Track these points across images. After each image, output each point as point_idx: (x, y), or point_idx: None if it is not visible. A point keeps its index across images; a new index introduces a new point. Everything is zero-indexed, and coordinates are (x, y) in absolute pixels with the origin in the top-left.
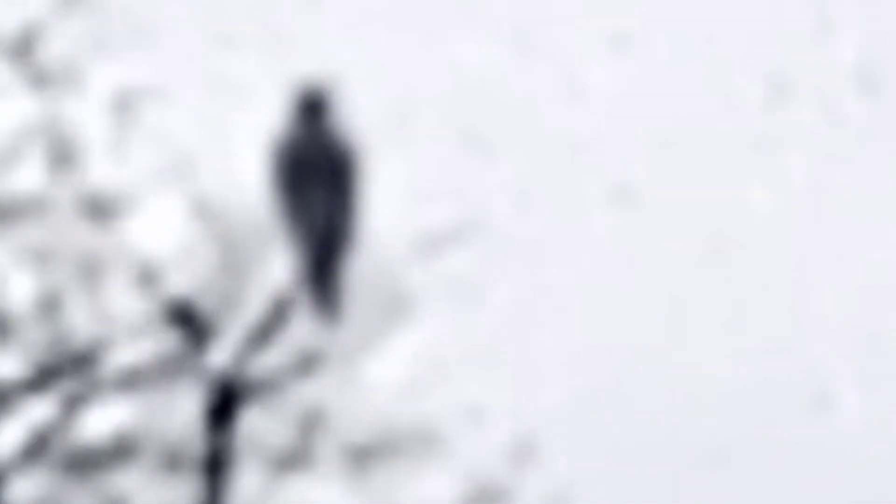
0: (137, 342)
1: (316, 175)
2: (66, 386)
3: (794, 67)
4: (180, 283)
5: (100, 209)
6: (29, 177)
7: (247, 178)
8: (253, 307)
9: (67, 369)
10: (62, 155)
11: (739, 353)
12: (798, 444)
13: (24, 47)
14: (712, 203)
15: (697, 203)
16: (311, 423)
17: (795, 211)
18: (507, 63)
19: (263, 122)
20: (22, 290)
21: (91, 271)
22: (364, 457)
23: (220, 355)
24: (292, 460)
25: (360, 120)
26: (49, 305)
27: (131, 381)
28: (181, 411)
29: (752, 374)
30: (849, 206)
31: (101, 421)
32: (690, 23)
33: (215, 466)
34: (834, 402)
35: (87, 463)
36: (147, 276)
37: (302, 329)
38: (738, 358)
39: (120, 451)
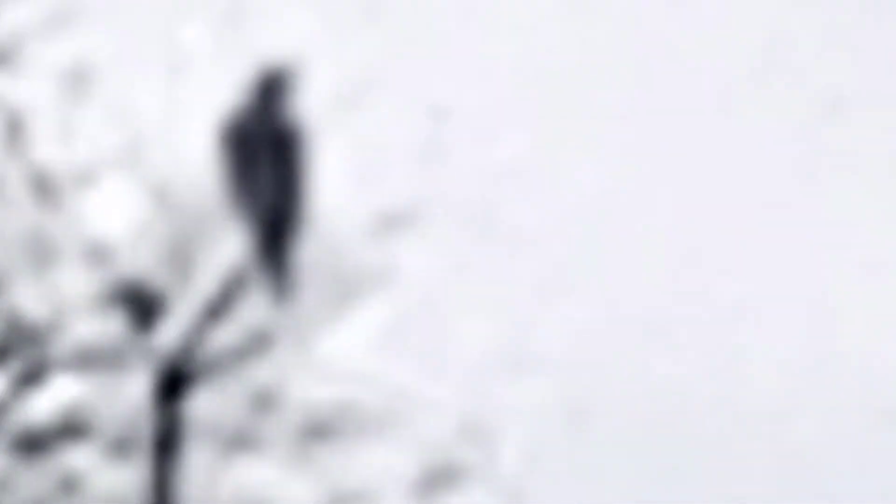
0: (87, 321)
1: (264, 154)
2: (16, 365)
3: None
4: (130, 262)
5: (49, 188)
6: None
7: (198, 156)
8: (203, 287)
9: (17, 348)
10: (11, 132)
11: None
12: None
13: None
14: None
15: None
16: (261, 403)
17: None
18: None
19: (217, 101)
20: None
21: (41, 250)
22: (314, 437)
23: (170, 335)
24: (243, 440)
25: (313, 98)
26: (0, 285)
27: (81, 360)
28: (131, 390)
29: None
30: None
31: (50, 400)
32: None
33: (165, 446)
34: None
35: (37, 442)
36: (97, 256)
37: (253, 308)
38: None
39: (70, 430)
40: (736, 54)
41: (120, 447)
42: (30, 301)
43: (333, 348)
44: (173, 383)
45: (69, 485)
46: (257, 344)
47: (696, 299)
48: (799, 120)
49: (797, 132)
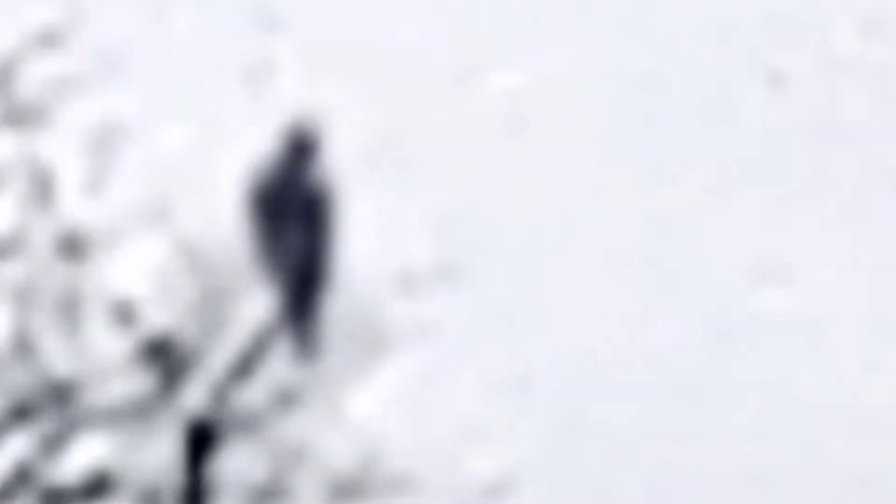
0: (116, 379)
1: (292, 212)
2: (45, 423)
3: None
4: (158, 320)
5: (77, 247)
6: (5, 214)
7: (226, 214)
8: (231, 344)
9: (46, 406)
10: (39, 192)
11: None
12: None
13: (2, 82)
14: None
15: None
16: (289, 460)
17: None
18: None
19: (245, 159)
20: (1, 327)
21: (69, 309)
22: (343, 493)
23: (197, 392)
24: (271, 497)
25: (340, 157)
26: (27, 343)
27: (110, 418)
28: (159, 448)
29: None
30: None
31: (79, 458)
32: None
33: (194, 503)
34: None
35: (66, 500)
36: (125, 314)
37: (280, 366)
38: None
39: (98, 487)
40: None
41: None
42: (59, 359)
43: (360, 405)
44: (201, 440)
45: None
46: (284, 401)
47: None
48: None
49: None
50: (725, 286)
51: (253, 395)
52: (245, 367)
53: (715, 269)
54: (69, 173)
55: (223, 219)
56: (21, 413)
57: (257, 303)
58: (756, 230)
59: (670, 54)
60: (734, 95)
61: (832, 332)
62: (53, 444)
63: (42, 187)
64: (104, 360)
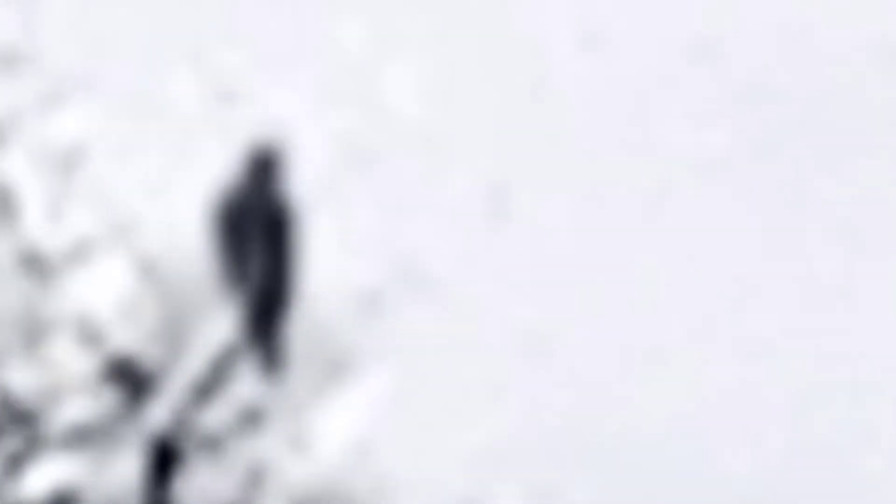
0: (79, 399)
1: (256, 231)
2: (8, 443)
3: None
4: (123, 339)
5: (39, 267)
6: None
7: (188, 235)
8: (194, 364)
9: (8, 426)
10: (2, 212)
11: None
12: None
13: None
14: None
15: None
16: (253, 480)
17: None
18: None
19: (207, 178)
20: None
21: (32, 328)
22: None
23: (161, 412)
24: None
25: (304, 173)
26: None
27: (73, 437)
28: (123, 467)
29: None
30: None
31: (42, 478)
32: None
33: None
34: None
35: None
36: (90, 334)
37: (244, 385)
38: None
39: None
40: None
41: None
42: (21, 379)
43: (325, 425)
44: (165, 460)
45: None
46: (248, 421)
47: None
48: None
49: None
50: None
51: (216, 414)
52: (210, 386)
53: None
54: (32, 193)
55: (186, 238)
56: None
57: (221, 322)
58: None
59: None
60: None
61: None
62: (17, 464)
63: (4, 207)
64: (67, 380)
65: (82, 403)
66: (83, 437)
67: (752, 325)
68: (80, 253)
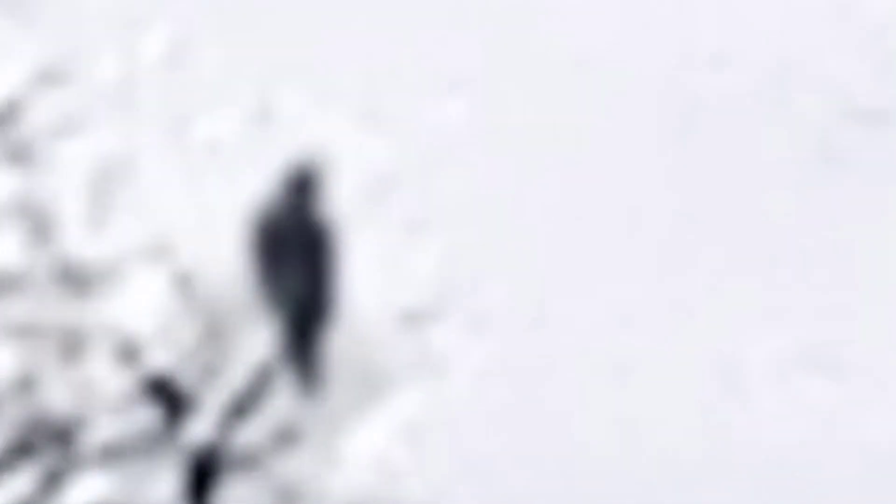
0: (115, 417)
1: (294, 248)
2: (46, 461)
3: None
4: (160, 357)
5: (79, 284)
6: (7, 252)
7: (227, 251)
8: (232, 381)
9: (45, 444)
10: (40, 229)
11: None
12: None
13: (1, 121)
14: None
15: None
16: (288, 499)
17: None
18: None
19: (246, 195)
20: (1, 365)
21: (71, 346)
22: None
23: (199, 429)
24: None
25: (340, 193)
26: (28, 380)
27: (109, 456)
28: (161, 485)
29: None
30: None
31: (80, 496)
32: None
33: None
34: None
35: None
36: (127, 351)
37: (281, 403)
38: None
39: None
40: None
41: None
42: (58, 397)
43: (361, 444)
44: (201, 479)
45: None
46: (285, 438)
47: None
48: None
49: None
50: None
51: (254, 431)
52: (246, 404)
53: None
54: (70, 210)
55: (224, 256)
56: (22, 450)
57: (258, 340)
58: None
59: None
60: None
61: None
62: (55, 481)
63: (43, 224)
64: (106, 397)
65: (119, 421)
66: (120, 455)
67: None
68: (118, 270)
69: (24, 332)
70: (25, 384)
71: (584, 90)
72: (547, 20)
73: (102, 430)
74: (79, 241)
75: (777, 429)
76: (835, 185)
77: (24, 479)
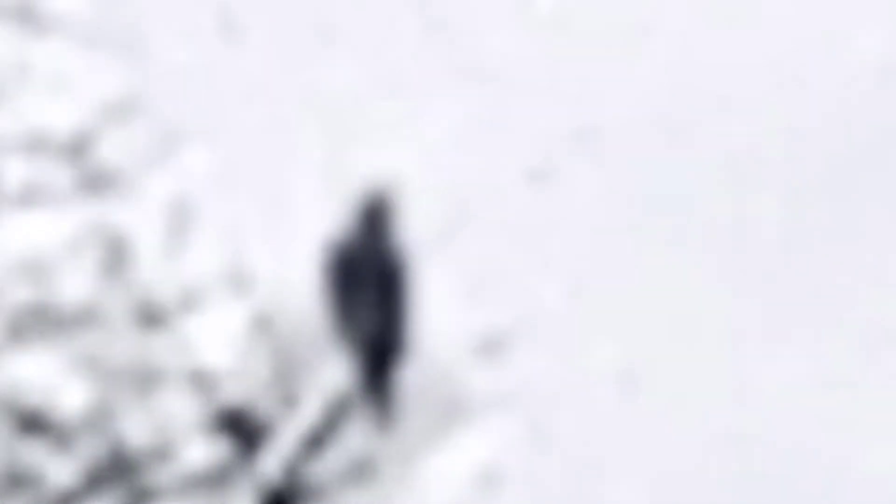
0: (192, 448)
1: (368, 281)
2: (119, 493)
3: None
4: (235, 388)
5: (153, 316)
6: (82, 283)
7: (300, 283)
8: (307, 413)
9: (121, 475)
10: (116, 261)
11: None
12: None
13: (77, 151)
14: None
15: None
16: None
17: None
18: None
19: (321, 227)
20: (75, 397)
21: (144, 378)
22: None
23: (273, 461)
24: None
25: (414, 222)
26: (103, 413)
27: (186, 487)
28: None
29: None
30: None
31: None
32: None
33: None
34: None
35: None
36: (202, 382)
37: (356, 435)
38: None
39: None
40: None
41: None
42: (134, 428)
43: (438, 476)
44: None
45: None
46: (360, 471)
47: None
48: None
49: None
50: None
51: (328, 465)
52: (321, 437)
53: None
54: (145, 241)
55: (299, 289)
56: (96, 484)
57: (333, 373)
58: None
59: None
60: None
61: None
62: None
63: (118, 256)
64: (180, 430)
65: (194, 452)
66: (195, 487)
67: None
68: (193, 301)
69: (99, 364)
70: (98, 417)
71: None
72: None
73: (179, 460)
74: (154, 273)
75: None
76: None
77: None
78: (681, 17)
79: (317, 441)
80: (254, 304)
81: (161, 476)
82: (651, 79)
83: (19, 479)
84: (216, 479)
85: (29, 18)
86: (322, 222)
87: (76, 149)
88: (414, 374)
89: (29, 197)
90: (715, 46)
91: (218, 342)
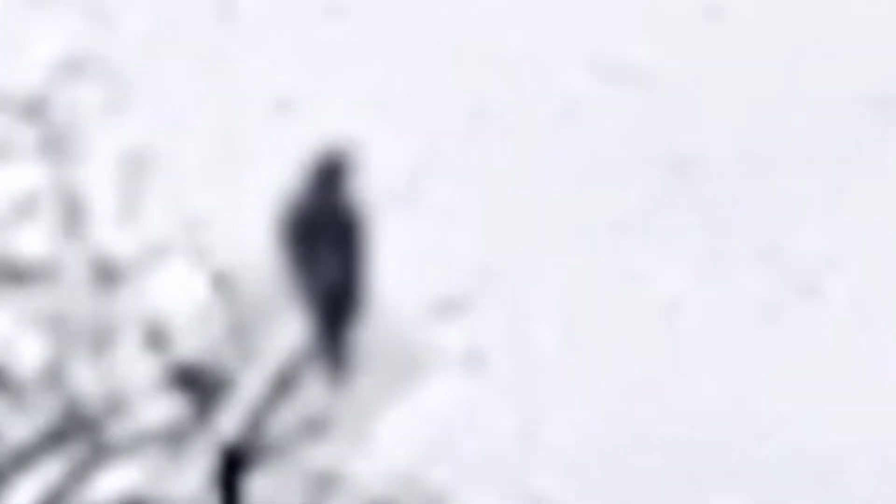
0: (147, 405)
1: (324, 237)
2: (75, 449)
3: None
4: (191, 346)
5: (109, 273)
6: (37, 241)
7: (256, 240)
8: (263, 370)
9: (76, 433)
10: (70, 219)
11: None
12: None
13: (31, 110)
14: None
15: None
16: (320, 487)
17: None
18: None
19: (273, 185)
20: (31, 354)
21: (100, 335)
22: None
23: (230, 418)
24: None
25: (371, 182)
26: (58, 369)
27: (141, 444)
28: (191, 475)
29: None
30: None
31: (109, 485)
32: None
33: None
34: None
35: None
36: (157, 339)
37: (311, 392)
38: None
39: None
40: None
41: None
42: (89, 385)
43: (393, 431)
44: (233, 467)
45: None
46: (317, 427)
47: None
48: None
49: None
50: None
51: (285, 421)
52: (278, 393)
53: None
54: (100, 199)
55: (254, 245)
56: (52, 440)
57: (289, 328)
58: None
59: None
60: None
61: None
62: (84, 472)
63: (73, 214)
64: (136, 387)
65: (151, 410)
66: (151, 444)
67: None
68: (149, 259)
69: (54, 321)
70: (55, 374)
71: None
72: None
73: (133, 419)
74: (109, 230)
75: None
76: None
77: (53, 469)
78: None
79: (274, 397)
80: (209, 261)
81: (118, 433)
82: None
83: None
84: (173, 435)
85: None
86: (277, 179)
87: (31, 107)
88: (370, 331)
89: None
90: None
91: (174, 299)
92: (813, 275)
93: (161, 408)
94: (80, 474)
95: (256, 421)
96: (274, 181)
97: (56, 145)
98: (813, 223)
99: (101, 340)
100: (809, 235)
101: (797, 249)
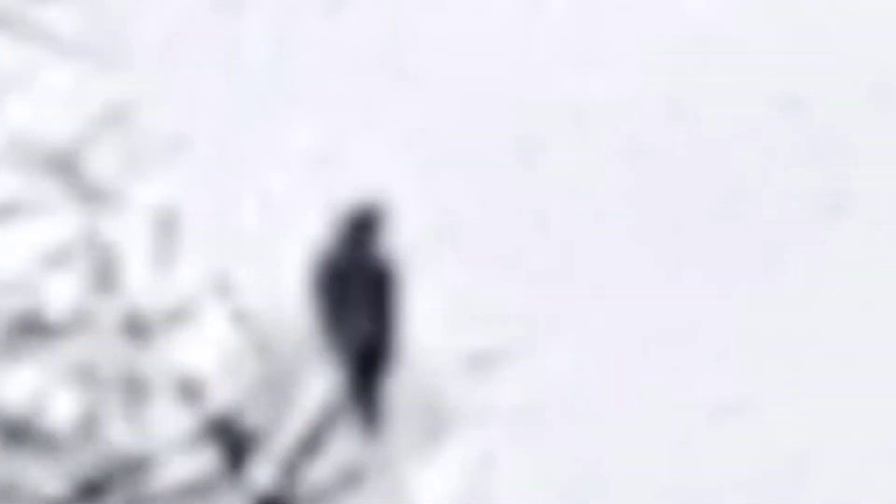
0: (181, 458)
1: (356, 291)
2: (111, 502)
3: None
4: (223, 398)
5: (141, 325)
6: (70, 293)
7: (289, 294)
8: (296, 422)
9: (111, 485)
10: (103, 271)
11: None
12: None
13: (67, 163)
14: None
15: None
16: None
17: None
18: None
19: (305, 238)
20: (64, 407)
21: (133, 388)
22: None
23: (263, 471)
24: None
25: (405, 236)
26: (92, 423)
27: (175, 496)
28: None
29: None
30: None
31: None
32: None
33: None
34: None
35: None
36: (190, 392)
37: (344, 444)
38: None
39: None
40: None
41: None
42: (124, 438)
43: (425, 485)
44: None
45: None
46: (349, 480)
47: None
48: None
49: None
50: None
51: (318, 473)
52: (310, 445)
53: None
54: (133, 252)
55: (287, 298)
56: (88, 493)
57: (322, 381)
58: None
59: None
60: None
61: None
62: None
63: (106, 266)
64: (170, 439)
65: (185, 462)
66: (186, 496)
67: None
68: (181, 312)
69: (87, 374)
70: (88, 427)
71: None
72: None
73: (167, 471)
74: (142, 283)
75: None
76: None
77: None
78: None
79: (307, 449)
80: (241, 313)
81: (150, 485)
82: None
83: (9, 490)
84: (207, 488)
85: (13, 27)
86: (309, 232)
87: (65, 160)
88: (401, 385)
89: (17, 208)
90: None
91: (206, 352)
92: None
93: (194, 461)
94: None
95: (290, 474)
96: (306, 234)
97: (91, 198)
98: None
99: (134, 393)
100: None
101: None
